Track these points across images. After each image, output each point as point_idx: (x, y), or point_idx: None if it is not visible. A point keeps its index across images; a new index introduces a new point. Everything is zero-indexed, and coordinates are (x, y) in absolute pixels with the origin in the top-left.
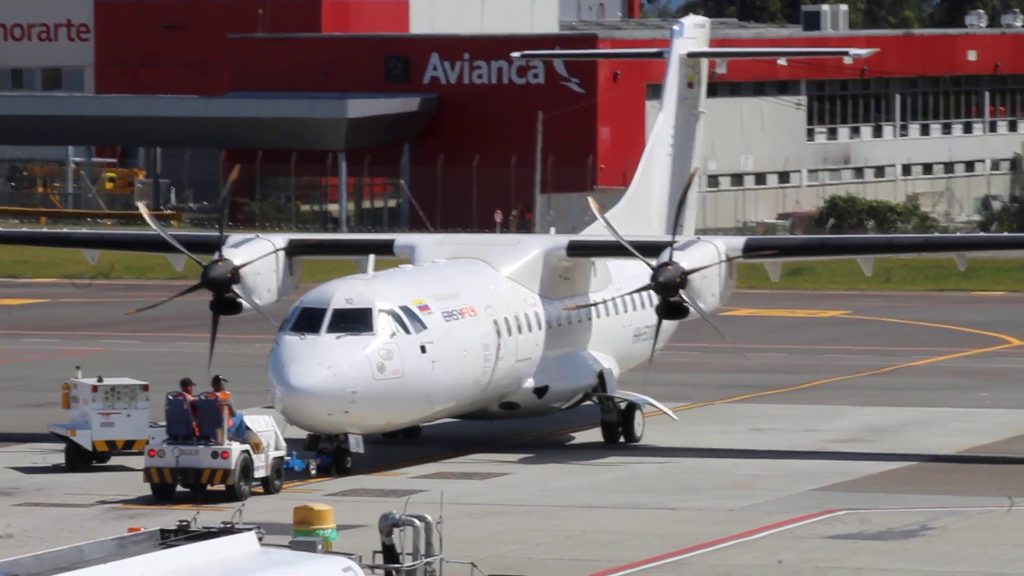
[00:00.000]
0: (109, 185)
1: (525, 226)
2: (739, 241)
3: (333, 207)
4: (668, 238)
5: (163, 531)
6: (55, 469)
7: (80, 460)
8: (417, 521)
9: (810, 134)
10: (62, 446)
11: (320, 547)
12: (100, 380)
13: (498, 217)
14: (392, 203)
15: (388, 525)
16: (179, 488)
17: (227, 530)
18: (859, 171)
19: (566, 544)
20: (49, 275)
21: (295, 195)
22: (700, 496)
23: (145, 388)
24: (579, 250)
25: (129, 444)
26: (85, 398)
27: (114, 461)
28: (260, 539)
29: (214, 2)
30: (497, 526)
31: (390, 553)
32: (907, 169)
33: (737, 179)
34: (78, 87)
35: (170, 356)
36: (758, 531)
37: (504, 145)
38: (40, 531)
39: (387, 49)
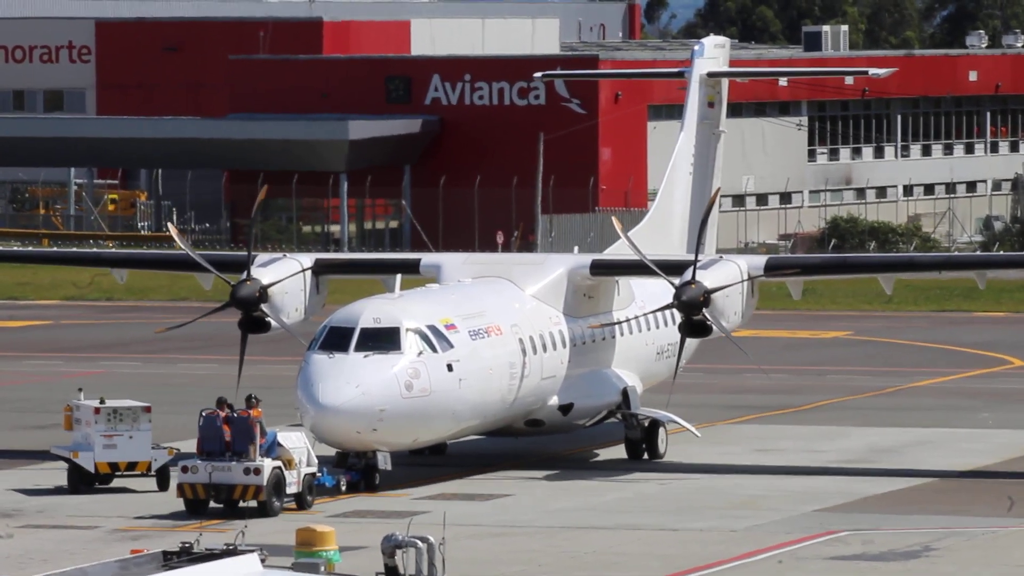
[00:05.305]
0: (111, 207)
1: (527, 247)
2: (761, 260)
3: (335, 228)
4: (691, 257)
5: (166, 553)
6: (58, 491)
7: (83, 482)
8: (420, 542)
9: (811, 155)
10: (65, 467)
11: (323, 568)
12: (102, 402)
13: (500, 238)
14: (394, 224)
15: (391, 546)
16: (212, 504)
17: (230, 551)
18: (861, 192)
19: (568, 565)
20: (51, 297)
21: (297, 216)
22: (702, 516)
23: (147, 410)
24: (602, 269)
25: (132, 466)
26: (87, 420)
27: (117, 483)
28: (263, 560)
29: (214, 23)
30: (499, 547)
31: (393, 574)
32: (909, 190)
33: (739, 200)
34: (79, 108)
35: (171, 378)
36: (761, 552)
37: (505, 166)
38: (43, 553)
39: (388, 70)
